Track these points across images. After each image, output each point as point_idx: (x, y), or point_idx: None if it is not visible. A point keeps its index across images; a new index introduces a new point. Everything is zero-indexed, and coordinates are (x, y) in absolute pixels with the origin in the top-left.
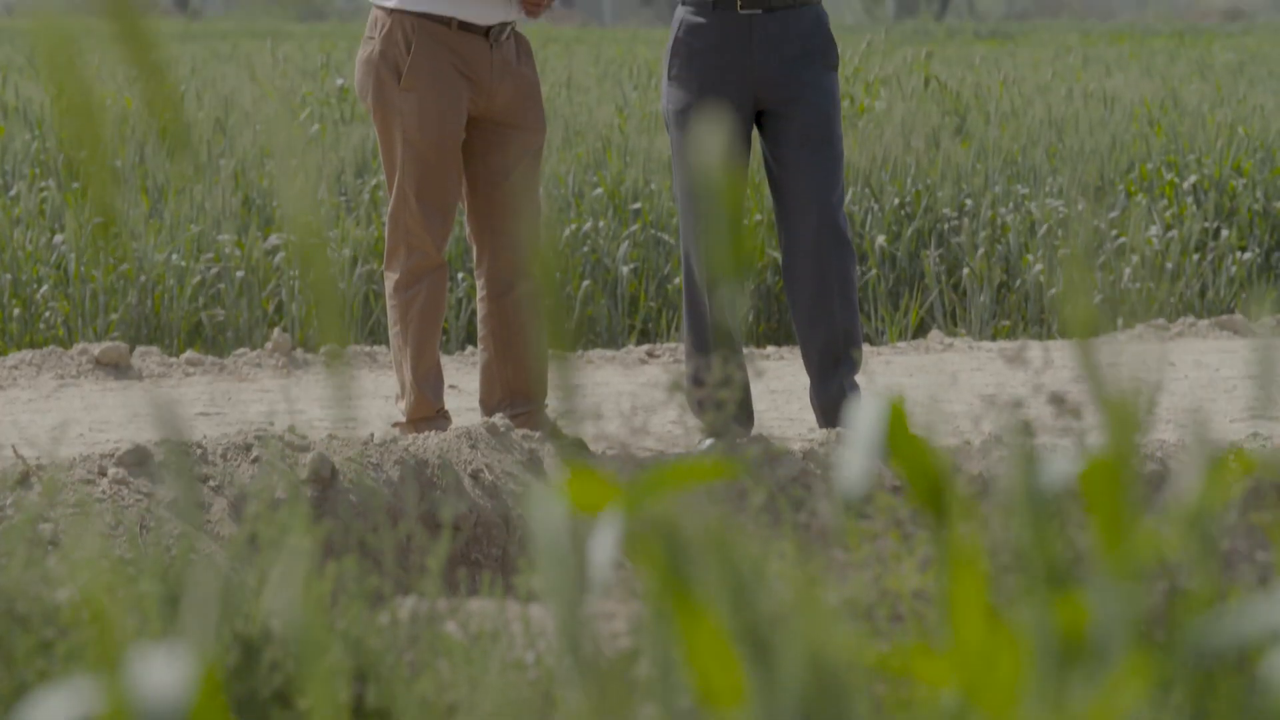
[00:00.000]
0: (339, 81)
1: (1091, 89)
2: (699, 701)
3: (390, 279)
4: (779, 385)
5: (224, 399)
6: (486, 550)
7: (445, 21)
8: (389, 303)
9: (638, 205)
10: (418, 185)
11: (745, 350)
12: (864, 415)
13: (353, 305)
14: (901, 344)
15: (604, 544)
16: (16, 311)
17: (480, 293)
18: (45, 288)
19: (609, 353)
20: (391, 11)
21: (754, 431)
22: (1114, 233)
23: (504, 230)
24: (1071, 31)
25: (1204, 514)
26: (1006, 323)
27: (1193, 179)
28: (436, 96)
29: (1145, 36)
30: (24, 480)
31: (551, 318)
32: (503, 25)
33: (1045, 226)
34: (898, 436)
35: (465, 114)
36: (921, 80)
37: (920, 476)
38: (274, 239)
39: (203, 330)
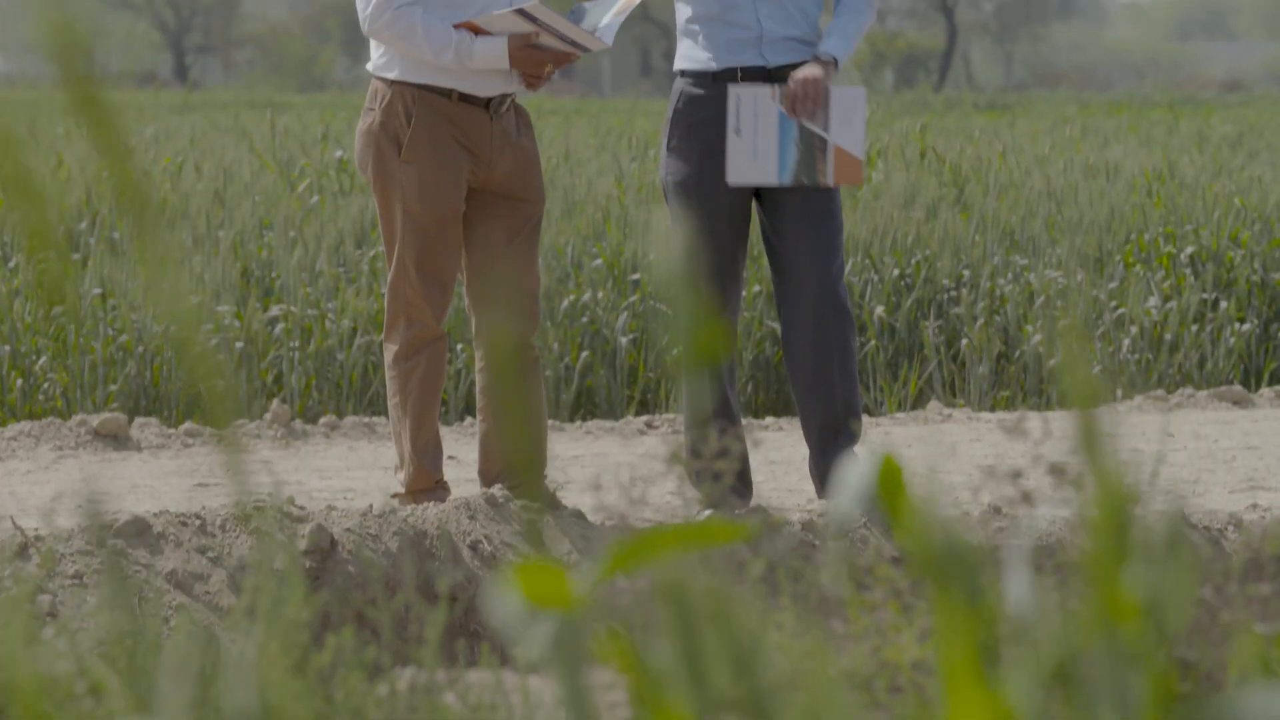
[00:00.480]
0: (338, 153)
1: (1090, 160)
2: None
3: (390, 350)
4: (778, 456)
5: (222, 470)
6: (485, 621)
7: (446, 93)
8: (388, 374)
9: (637, 276)
10: (418, 257)
11: (744, 421)
12: (857, 468)
13: (351, 376)
14: (900, 414)
15: (546, 639)
16: (17, 382)
17: (479, 363)
18: (44, 359)
19: (608, 423)
20: (392, 83)
21: (753, 502)
22: (1113, 304)
23: (502, 300)
24: (1070, 103)
25: (1163, 599)
26: (1005, 393)
27: (1191, 250)
28: (437, 168)
29: (1143, 108)
30: (22, 551)
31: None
32: (503, 97)
33: (1044, 297)
34: (892, 493)
35: (465, 186)
36: (920, 151)
37: (916, 537)
38: (273, 310)
39: (201, 401)
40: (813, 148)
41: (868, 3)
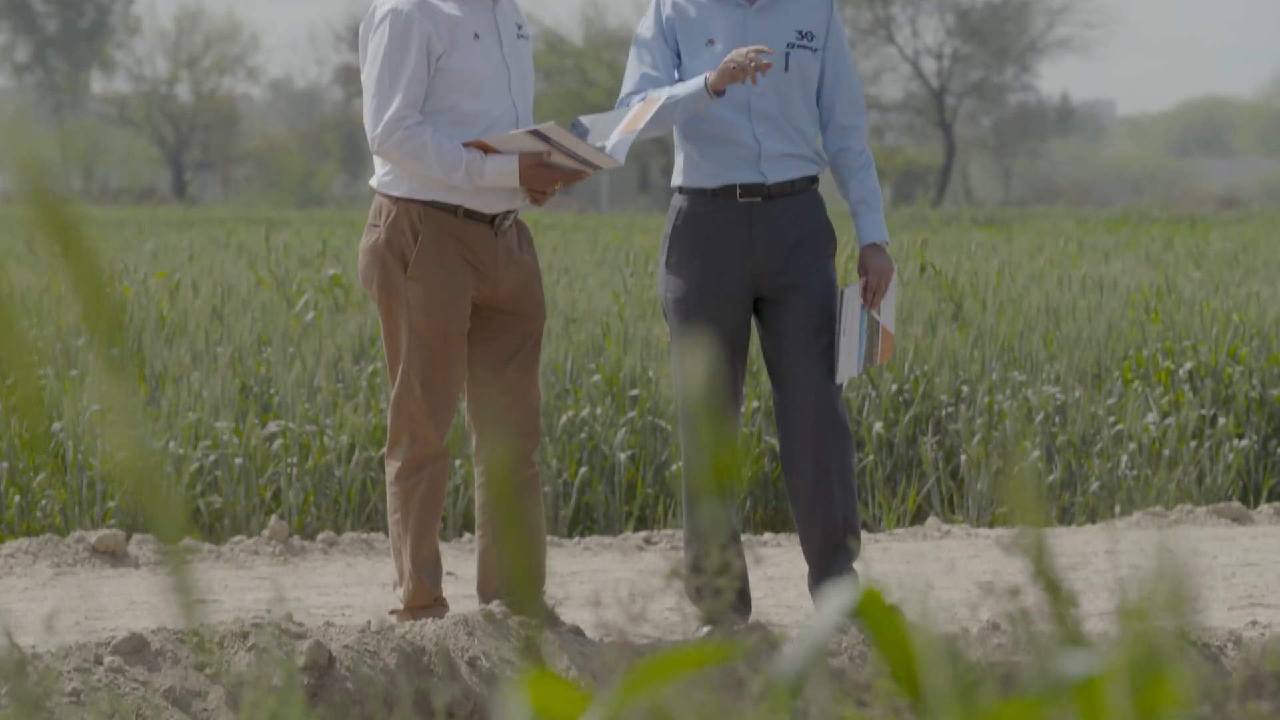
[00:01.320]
0: (336, 270)
1: (1088, 276)
2: None
3: (392, 466)
4: (777, 572)
5: (221, 586)
6: None
7: (452, 210)
8: (389, 489)
9: (635, 392)
10: (423, 374)
11: (743, 537)
12: (832, 604)
13: (349, 492)
14: (899, 530)
15: None
16: (14, 499)
17: (479, 479)
18: (42, 475)
19: (606, 539)
20: (398, 200)
21: (751, 619)
22: (1111, 420)
23: (504, 417)
24: (1068, 218)
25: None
26: (1004, 509)
27: (1189, 366)
28: (443, 285)
29: (1141, 224)
30: (20, 669)
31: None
32: (507, 213)
33: (1042, 413)
34: (879, 622)
35: (470, 302)
36: (918, 267)
37: (901, 663)
38: (272, 426)
39: (200, 517)
40: (874, 333)
41: (865, 159)
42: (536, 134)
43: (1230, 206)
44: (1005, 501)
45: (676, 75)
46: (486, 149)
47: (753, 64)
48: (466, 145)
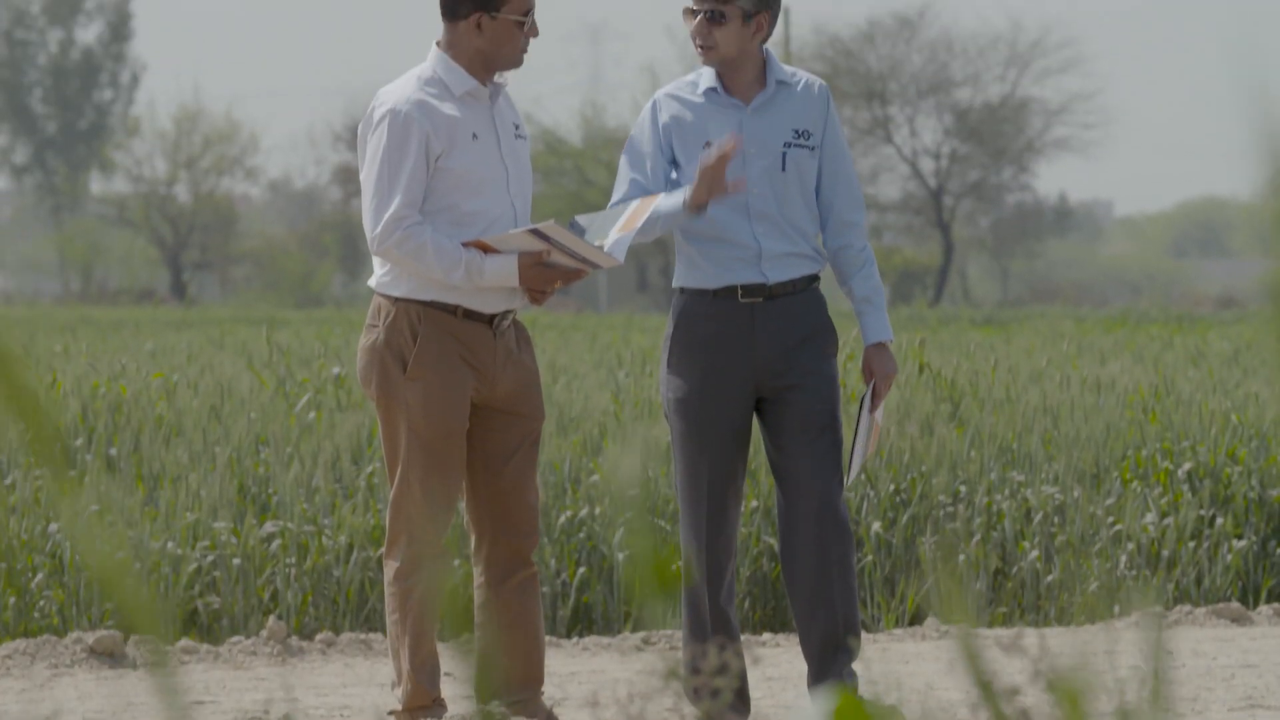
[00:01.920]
0: (336, 370)
1: (1086, 376)
2: None
3: (391, 566)
4: (775, 672)
5: (219, 687)
6: None
7: (451, 310)
8: (388, 590)
9: (634, 492)
10: (423, 474)
11: (742, 637)
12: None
13: (348, 592)
14: (898, 630)
15: None
16: (11, 600)
17: (478, 579)
18: (40, 576)
19: (605, 639)
20: (397, 300)
21: (750, 719)
22: (1110, 520)
23: (503, 517)
24: (1066, 318)
25: None
26: (1003, 609)
27: (1188, 467)
28: (442, 385)
29: (1140, 324)
30: None
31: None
32: (506, 313)
33: (1041, 514)
34: None
35: (469, 403)
36: (917, 367)
37: None
38: (270, 526)
39: (198, 618)
40: (871, 431)
41: (867, 256)
42: (535, 233)
43: (1228, 307)
44: (1003, 601)
45: (674, 175)
46: (486, 248)
47: (722, 186)
48: (465, 245)
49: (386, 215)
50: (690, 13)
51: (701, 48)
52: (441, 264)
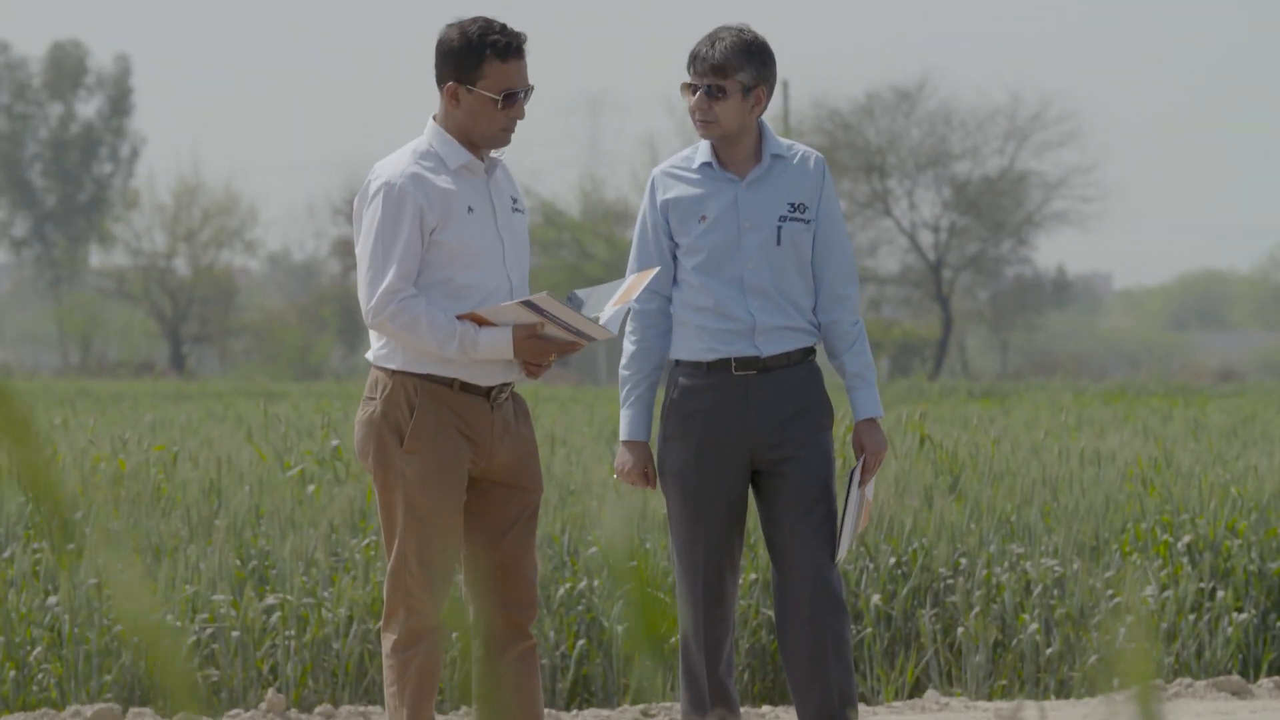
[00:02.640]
0: (335, 442)
1: (1085, 448)
2: None
3: (388, 639)
4: None
5: None
6: None
7: (448, 383)
8: (386, 663)
9: (632, 564)
10: (420, 548)
11: (742, 709)
12: None
13: (347, 665)
14: (898, 703)
15: None
16: (10, 673)
17: (476, 652)
18: (39, 649)
19: (604, 712)
20: (394, 373)
21: None
22: (1109, 592)
23: (501, 589)
24: (1065, 391)
25: None
26: (1003, 682)
27: (1188, 539)
28: (439, 458)
29: (1139, 396)
30: None
31: None
32: (503, 386)
33: (1040, 586)
34: None
35: (467, 475)
36: (916, 439)
37: None
38: (269, 599)
39: (197, 691)
40: (861, 507)
41: (858, 331)
42: (529, 305)
43: (1227, 380)
44: (1003, 673)
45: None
46: (480, 321)
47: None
48: (460, 318)
49: (381, 288)
50: (689, 88)
51: (701, 122)
52: (436, 337)
